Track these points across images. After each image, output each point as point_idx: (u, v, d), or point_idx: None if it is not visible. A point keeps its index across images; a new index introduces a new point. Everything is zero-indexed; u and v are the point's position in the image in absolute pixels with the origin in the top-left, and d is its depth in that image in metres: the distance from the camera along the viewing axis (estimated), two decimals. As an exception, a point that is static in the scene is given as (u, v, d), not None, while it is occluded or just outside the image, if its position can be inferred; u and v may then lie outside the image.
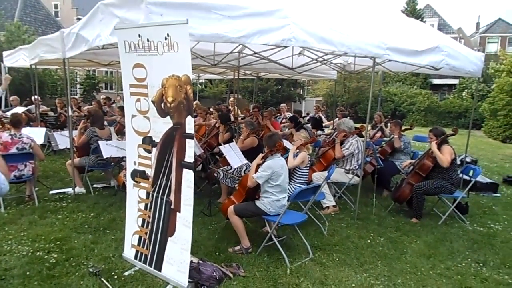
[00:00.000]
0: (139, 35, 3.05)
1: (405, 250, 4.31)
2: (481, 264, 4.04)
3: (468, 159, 8.10)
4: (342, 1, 5.20)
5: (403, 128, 6.77)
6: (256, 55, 6.40)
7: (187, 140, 2.88)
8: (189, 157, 2.87)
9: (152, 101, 3.10)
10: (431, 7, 37.38)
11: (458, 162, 7.06)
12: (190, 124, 2.85)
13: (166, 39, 2.85)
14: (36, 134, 5.90)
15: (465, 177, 5.94)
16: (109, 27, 3.79)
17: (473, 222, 5.30)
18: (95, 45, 4.34)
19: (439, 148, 5.11)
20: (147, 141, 3.22)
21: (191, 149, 2.86)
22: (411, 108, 24.81)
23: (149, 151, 3.22)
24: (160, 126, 3.08)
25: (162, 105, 3.01)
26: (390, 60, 5.28)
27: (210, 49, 6.15)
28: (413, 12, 31.05)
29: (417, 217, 5.25)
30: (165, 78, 2.92)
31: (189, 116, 2.85)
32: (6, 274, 3.45)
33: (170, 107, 2.94)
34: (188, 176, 2.91)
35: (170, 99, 2.91)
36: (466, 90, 24.80)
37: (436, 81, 28.22)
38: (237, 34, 3.61)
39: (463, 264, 4.02)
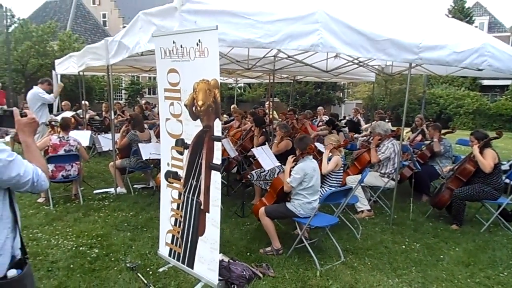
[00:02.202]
0: (174, 42, 3.18)
1: (442, 257, 4.16)
2: (525, 275, 3.82)
3: (518, 164, 7.63)
4: (379, 3, 5.12)
5: (444, 131, 6.51)
6: (290, 58, 6.43)
7: (215, 143, 2.97)
8: (217, 159, 2.96)
9: (185, 105, 3.22)
10: (481, 4, 35.33)
11: (508, 167, 6.67)
12: (218, 127, 2.95)
13: (197, 44, 2.96)
14: (82, 137, 6.29)
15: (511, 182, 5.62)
16: (148, 35, 3.99)
17: (519, 231, 5.02)
18: (135, 52, 4.58)
19: (481, 152, 4.89)
20: (180, 143, 3.35)
21: (219, 152, 2.94)
22: (458, 111, 23.53)
23: (181, 153, 3.34)
24: (192, 129, 3.20)
25: (194, 108, 3.13)
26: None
27: (246, 53, 6.27)
28: (461, 11, 29.59)
29: (457, 223, 5.04)
30: (196, 82, 3.03)
31: (217, 119, 2.94)
32: (53, 266, 3.73)
33: (200, 110, 3.05)
34: (216, 178, 3.00)
35: (200, 102, 3.02)
36: (520, 92, 23.30)
37: (487, 82, 26.59)
38: (268, 40, 3.67)
39: (505, 273, 3.82)
